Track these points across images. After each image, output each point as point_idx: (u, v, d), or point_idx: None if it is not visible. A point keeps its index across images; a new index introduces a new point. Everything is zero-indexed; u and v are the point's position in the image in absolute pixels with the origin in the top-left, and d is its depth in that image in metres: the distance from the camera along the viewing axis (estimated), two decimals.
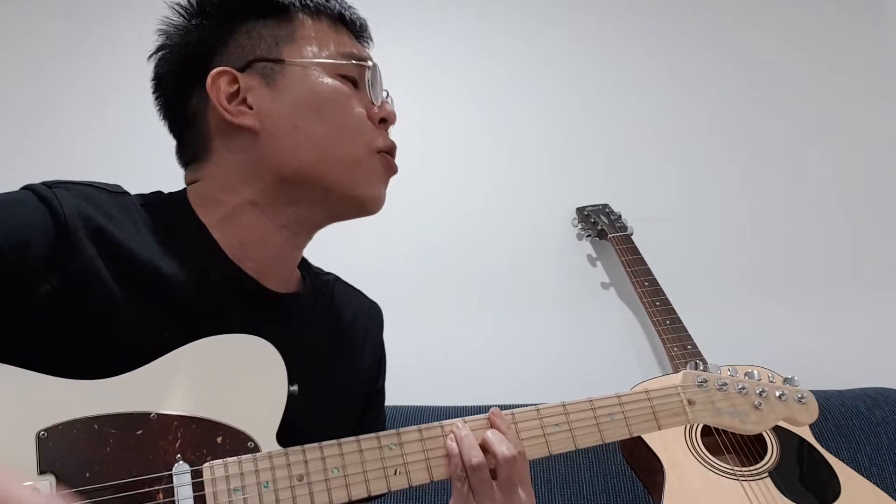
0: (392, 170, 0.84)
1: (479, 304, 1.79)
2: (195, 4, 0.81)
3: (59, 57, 1.93)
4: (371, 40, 0.89)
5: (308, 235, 0.85)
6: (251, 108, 0.77)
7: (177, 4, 0.81)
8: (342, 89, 0.79)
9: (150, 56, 0.83)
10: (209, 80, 0.77)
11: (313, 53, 0.79)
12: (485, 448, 0.74)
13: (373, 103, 0.82)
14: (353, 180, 0.79)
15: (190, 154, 0.83)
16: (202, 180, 0.81)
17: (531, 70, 1.96)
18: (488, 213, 1.86)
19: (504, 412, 0.78)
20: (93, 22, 1.92)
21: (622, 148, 1.91)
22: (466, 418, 0.76)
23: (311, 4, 0.81)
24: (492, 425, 0.77)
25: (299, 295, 0.85)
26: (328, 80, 0.79)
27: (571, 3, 2.00)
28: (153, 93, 0.84)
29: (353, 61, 0.81)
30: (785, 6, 1.99)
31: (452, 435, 0.74)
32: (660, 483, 1.20)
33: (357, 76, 0.81)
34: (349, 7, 0.85)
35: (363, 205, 0.81)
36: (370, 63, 0.82)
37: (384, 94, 0.85)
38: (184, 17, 0.81)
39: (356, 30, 0.86)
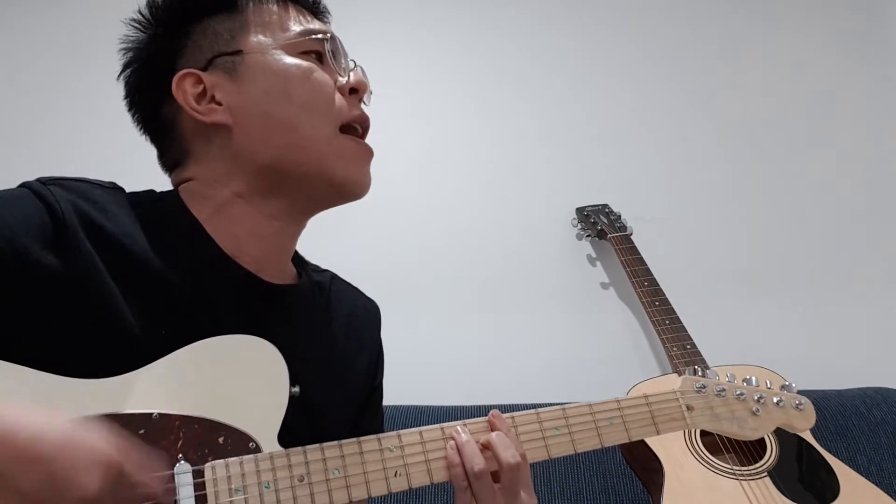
0: (363, 151, 0.83)
1: (479, 303, 1.79)
2: (147, 16, 0.82)
3: (60, 57, 1.93)
4: (328, 13, 0.89)
5: (299, 224, 0.85)
6: (220, 105, 0.78)
7: (131, 20, 0.82)
8: (304, 65, 0.79)
9: (119, 76, 0.84)
10: (174, 84, 0.78)
11: (268, 38, 0.79)
12: (488, 452, 0.74)
13: (339, 75, 0.82)
14: (326, 165, 0.79)
15: (172, 160, 0.84)
16: (190, 180, 0.81)
17: (531, 70, 1.96)
18: (488, 213, 1.86)
19: (504, 415, 0.78)
20: (94, 22, 1.93)
21: (622, 148, 1.91)
22: (466, 422, 0.76)
23: None
24: (493, 428, 0.76)
25: (297, 287, 0.85)
26: (289, 60, 0.79)
27: (571, 3, 2.00)
28: (129, 111, 0.85)
29: (309, 36, 0.81)
30: (784, 7, 1.99)
31: (453, 442, 0.74)
32: (659, 482, 1.20)
33: (319, 50, 0.81)
34: None
35: (343, 188, 0.81)
36: (327, 34, 0.82)
37: (351, 63, 0.85)
38: (140, 30, 0.82)
39: (308, 5, 0.86)
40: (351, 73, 0.83)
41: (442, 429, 0.75)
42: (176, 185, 0.83)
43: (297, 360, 0.73)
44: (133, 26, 0.82)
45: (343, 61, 0.83)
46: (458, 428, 0.75)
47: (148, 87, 0.82)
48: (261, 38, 0.79)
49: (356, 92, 0.83)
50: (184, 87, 0.78)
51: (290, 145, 0.78)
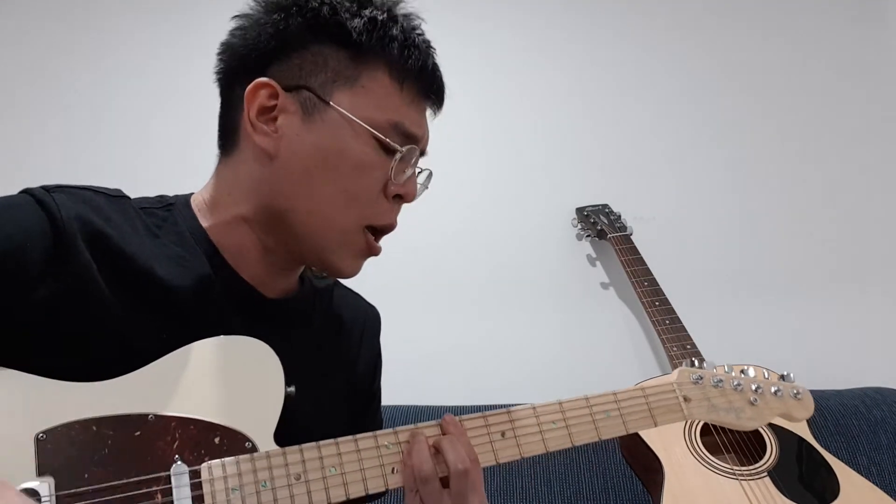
0: (371, 253, 0.80)
1: (479, 303, 1.79)
2: (286, 2, 0.76)
3: (62, 56, 1.94)
4: (440, 108, 0.83)
5: (294, 266, 0.84)
6: (276, 132, 0.74)
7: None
8: (369, 156, 0.75)
9: (233, 17, 0.79)
10: (250, 87, 0.74)
11: (362, 110, 0.74)
12: (439, 455, 0.72)
13: (395, 179, 0.77)
14: (329, 247, 0.77)
15: (221, 139, 0.81)
16: (215, 178, 0.81)
17: (531, 70, 1.96)
18: (488, 213, 1.86)
19: (462, 416, 0.76)
20: (96, 23, 1.93)
21: (622, 148, 1.91)
22: (420, 424, 0.75)
23: (393, 58, 0.76)
24: (444, 432, 0.74)
25: (296, 300, 0.85)
26: (360, 143, 0.74)
27: (572, 2, 2.00)
28: (217, 52, 0.80)
29: (394, 142, 0.76)
30: (784, 9, 1.99)
31: (407, 445, 0.73)
32: (659, 482, 1.20)
33: (398, 147, 0.76)
34: (437, 75, 0.80)
35: (330, 269, 0.80)
36: (407, 148, 0.77)
37: (417, 170, 0.81)
38: (273, 2, 0.77)
39: (429, 93, 0.80)
40: (407, 182, 0.79)
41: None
42: (213, 175, 0.82)
43: (294, 362, 0.73)
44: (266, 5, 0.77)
45: (409, 167, 0.79)
46: (415, 432, 0.73)
47: (239, 60, 0.78)
48: (356, 103, 0.74)
49: (400, 199, 0.80)
50: (257, 94, 0.74)
51: (310, 212, 0.75)
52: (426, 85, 0.79)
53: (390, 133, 0.76)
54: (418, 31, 0.80)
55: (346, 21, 0.75)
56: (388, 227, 0.80)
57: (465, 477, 0.71)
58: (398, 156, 0.76)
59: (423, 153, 0.82)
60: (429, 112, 0.82)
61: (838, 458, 1.25)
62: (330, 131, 0.74)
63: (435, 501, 0.71)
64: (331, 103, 0.74)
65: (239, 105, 0.77)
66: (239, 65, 0.78)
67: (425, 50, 0.80)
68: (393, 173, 0.76)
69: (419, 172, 0.83)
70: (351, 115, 0.74)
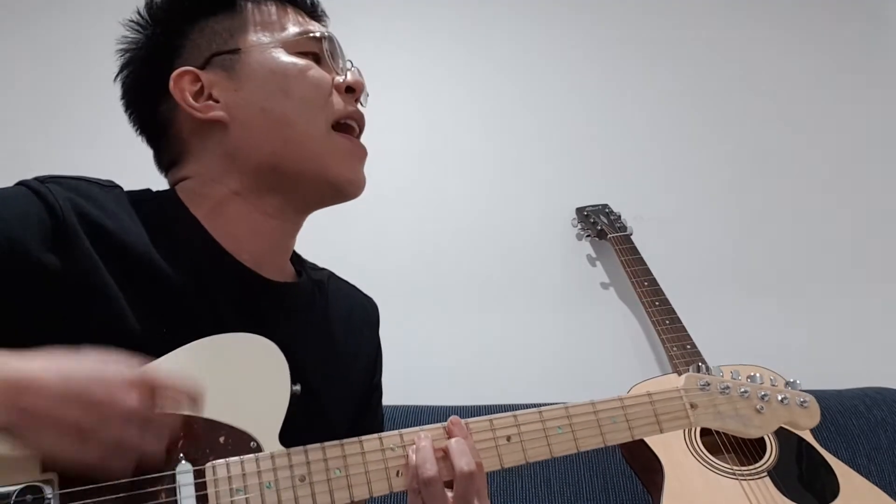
0: (357, 150, 0.84)
1: (479, 303, 1.79)
2: (145, 16, 0.82)
3: (63, 57, 1.93)
4: (326, 16, 0.90)
5: (296, 222, 0.86)
6: (217, 102, 0.78)
7: (129, 21, 0.83)
8: (301, 63, 0.80)
9: (116, 77, 0.84)
10: (171, 82, 0.78)
11: (267, 36, 0.81)
12: (445, 458, 0.72)
13: (337, 74, 0.83)
14: (321, 162, 0.80)
15: (168, 159, 0.84)
16: (185, 179, 0.82)
17: (531, 70, 1.96)
18: (488, 213, 1.86)
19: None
20: (99, 22, 1.93)
21: (622, 148, 1.91)
22: (426, 427, 0.74)
23: None
24: (450, 435, 0.74)
25: (297, 285, 0.85)
26: (286, 58, 0.80)
27: (571, 3, 2.00)
28: (125, 111, 0.85)
29: (307, 35, 0.82)
30: (783, 8, 1.99)
31: (414, 446, 0.72)
32: (659, 483, 1.20)
33: (317, 51, 0.82)
34: None
35: (336, 187, 0.82)
36: (325, 34, 0.83)
37: (348, 64, 0.85)
38: (137, 31, 0.83)
39: (307, 8, 0.87)
40: (348, 73, 0.84)
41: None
42: (172, 184, 0.83)
43: (298, 358, 0.73)
44: (131, 27, 0.83)
45: (340, 61, 0.84)
46: (421, 434, 0.73)
47: (145, 86, 0.83)
48: (259, 36, 0.81)
49: (352, 91, 0.84)
50: (181, 85, 0.79)
51: (285, 141, 0.78)
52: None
53: (301, 37, 0.82)
54: None
55: None
56: (356, 117, 0.84)
57: (471, 480, 0.70)
58: (325, 44, 0.82)
59: (333, 51, 0.85)
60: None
61: (838, 458, 1.25)
62: (258, 67, 0.79)
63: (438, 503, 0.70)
64: (241, 48, 0.80)
65: (172, 115, 0.81)
66: (147, 92, 0.82)
67: None
68: (332, 66, 0.82)
69: (351, 66, 0.86)
70: (263, 44, 0.80)
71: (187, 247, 0.75)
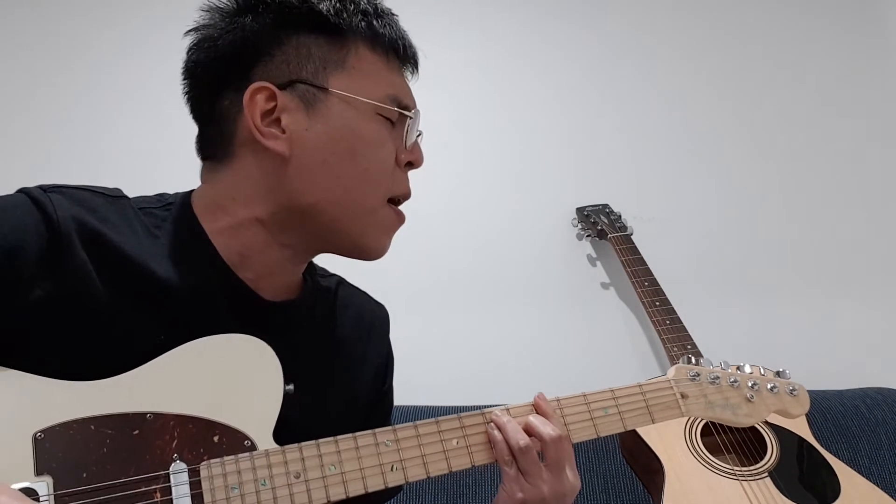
0: (399, 222, 0.83)
1: (480, 303, 1.79)
2: (242, 4, 0.76)
3: (67, 57, 1.94)
4: (418, 72, 0.87)
5: (309, 256, 0.84)
6: (283, 132, 0.74)
7: (224, 1, 0.77)
8: (380, 133, 0.77)
9: (187, 33, 0.78)
10: (247, 94, 0.73)
11: (360, 89, 0.76)
12: (529, 432, 0.76)
13: (404, 148, 0.80)
14: (361, 229, 0.78)
15: (210, 151, 0.80)
16: (213, 183, 0.79)
17: (531, 71, 1.96)
18: (488, 213, 1.86)
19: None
20: (104, 23, 1.93)
21: (622, 148, 1.91)
22: (508, 406, 0.79)
23: (369, 33, 0.77)
24: (536, 410, 0.79)
25: (295, 302, 0.84)
26: (368, 121, 0.76)
27: (571, 4, 2.00)
28: (183, 77, 0.80)
29: (398, 108, 0.78)
30: (783, 9, 1.99)
31: (493, 424, 0.77)
32: (659, 483, 1.20)
33: (395, 119, 0.79)
34: (406, 40, 0.82)
35: (364, 253, 0.81)
36: (413, 112, 0.81)
37: (418, 135, 0.83)
38: (234, 6, 0.76)
39: (408, 63, 0.83)
40: (414, 148, 0.82)
41: (437, 422, 0.75)
42: (205, 180, 0.80)
43: (293, 369, 0.73)
44: (219, 10, 0.76)
45: (413, 136, 0.81)
46: (497, 412, 0.78)
47: (214, 70, 0.76)
48: (353, 84, 0.75)
49: (410, 165, 0.82)
50: (256, 100, 0.73)
51: (335, 202, 0.76)
52: (404, 51, 0.81)
53: (390, 104, 0.78)
54: (379, 0, 0.82)
55: (316, 5, 0.75)
56: (407, 196, 0.83)
57: (560, 443, 0.76)
58: (408, 122, 0.79)
59: (412, 127, 0.83)
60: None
61: (839, 459, 1.25)
62: (337, 117, 0.75)
63: (536, 471, 0.74)
64: (330, 89, 0.75)
65: (232, 116, 0.76)
66: (217, 78, 0.77)
67: (392, 16, 0.81)
68: (406, 142, 0.79)
69: (418, 135, 0.84)
70: (353, 96, 0.75)
71: (189, 258, 0.74)
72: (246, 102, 0.73)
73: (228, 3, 0.76)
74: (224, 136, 0.77)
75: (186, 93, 0.80)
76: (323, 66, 0.75)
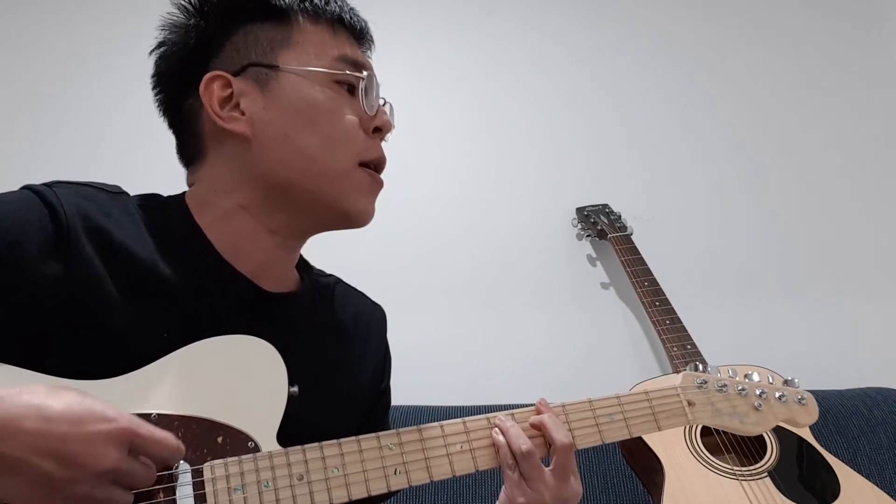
0: (376, 185, 0.83)
1: (479, 304, 1.79)
2: (195, 4, 0.80)
3: (67, 57, 1.93)
4: (372, 43, 0.88)
5: (299, 241, 0.85)
6: (243, 114, 0.77)
7: (180, 2, 0.81)
8: (336, 99, 0.79)
9: (151, 52, 0.83)
10: (202, 84, 0.77)
11: (309, 60, 0.78)
12: (541, 431, 0.77)
13: (367, 112, 0.81)
14: (337, 194, 0.79)
15: (188, 154, 0.83)
16: (198, 182, 0.81)
17: (531, 71, 1.96)
18: (488, 213, 1.86)
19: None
20: (103, 22, 1.93)
21: (622, 148, 1.91)
22: (514, 411, 0.79)
23: (309, 7, 0.80)
24: (540, 413, 0.79)
25: (296, 294, 0.85)
26: (322, 89, 0.78)
27: (571, 4, 2.00)
28: (153, 89, 0.84)
29: (349, 71, 0.80)
30: (783, 10, 1.99)
31: (497, 428, 0.77)
32: (659, 483, 1.20)
33: (353, 82, 0.80)
34: (350, 9, 0.84)
35: (348, 218, 0.81)
36: (366, 72, 0.81)
37: (381, 101, 0.84)
38: (184, 15, 0.81)
39: (356, 33, 0.85)
40: (378, 112, 0.82)
41: (441, 426, 0.75)
42: (189, 183, 0.83)
43: (295, 359, 0.73)
44: (180, 7, 0.81)
45: (374, 99, 0.82)
46: (501, 416, 0.78)
47: (177, 74, 0.81)
48: (301, 57, 0.78)
49: (379, 131, 0.83)
50: (211, 89, 0.77)
51: (305, 172, 0.77)
52: (350, 20, 0.83)
53: (341, 68, 0.79)
54: None
55: None
56: (379, 160, 0.83)
57: (570, 451, 0.76)
58: (362, 84, 0.80)
59: (369, 88, 0.83)
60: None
61: (839, 459, 1.25)
62: (291, 91, 0.77)
63: (537, 476, 0.75)
64: (280, 66, 0.78)
65: (196, 112, 0.79)
66: (179, 82, 0.80)
67: None
68: (364, 105, 0.80)
69: (384, 104, 0.85)
70: (302, 67, 0.78)
71: (189, 255, 0.75)
72: (202, 92, 0.77)
73: (179, 14, 0.81)
74: (195, 136, 0.81)
75: (158, 105, 0.84)
76: (270, 46, 0.78)
